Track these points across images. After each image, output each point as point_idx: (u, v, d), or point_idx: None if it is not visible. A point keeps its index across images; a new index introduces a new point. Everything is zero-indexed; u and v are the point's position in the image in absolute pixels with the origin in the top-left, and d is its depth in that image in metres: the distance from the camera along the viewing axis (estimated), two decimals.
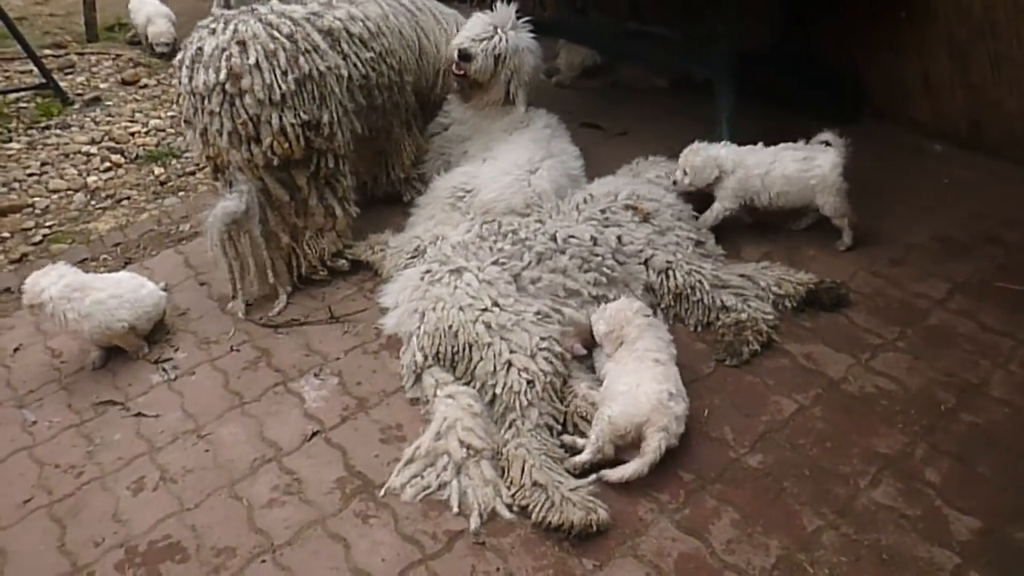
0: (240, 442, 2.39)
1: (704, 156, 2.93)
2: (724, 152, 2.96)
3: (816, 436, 2.27)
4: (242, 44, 2.65)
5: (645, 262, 2.67)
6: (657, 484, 2.15)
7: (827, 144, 2.95)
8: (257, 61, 2.63)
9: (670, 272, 2.65)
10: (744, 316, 2.57)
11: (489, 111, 3.26)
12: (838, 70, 3.72)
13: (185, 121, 2.85)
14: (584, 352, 2.49)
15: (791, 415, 2.34)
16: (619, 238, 2.68)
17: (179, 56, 2.80)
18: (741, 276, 2.72)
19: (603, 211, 2.77)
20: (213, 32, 2.72)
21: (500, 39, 3.08)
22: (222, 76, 2.63)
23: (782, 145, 3.00)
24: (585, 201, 2.83)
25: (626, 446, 2.17)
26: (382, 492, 2.19)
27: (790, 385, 2.44)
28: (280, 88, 2.65)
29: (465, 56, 3.07)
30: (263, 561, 2.05)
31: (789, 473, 2.17)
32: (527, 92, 3.21)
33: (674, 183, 2.98)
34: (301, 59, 2.70)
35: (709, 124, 3.29)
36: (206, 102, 2.69)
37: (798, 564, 1.95)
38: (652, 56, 3.79)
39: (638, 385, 2.19)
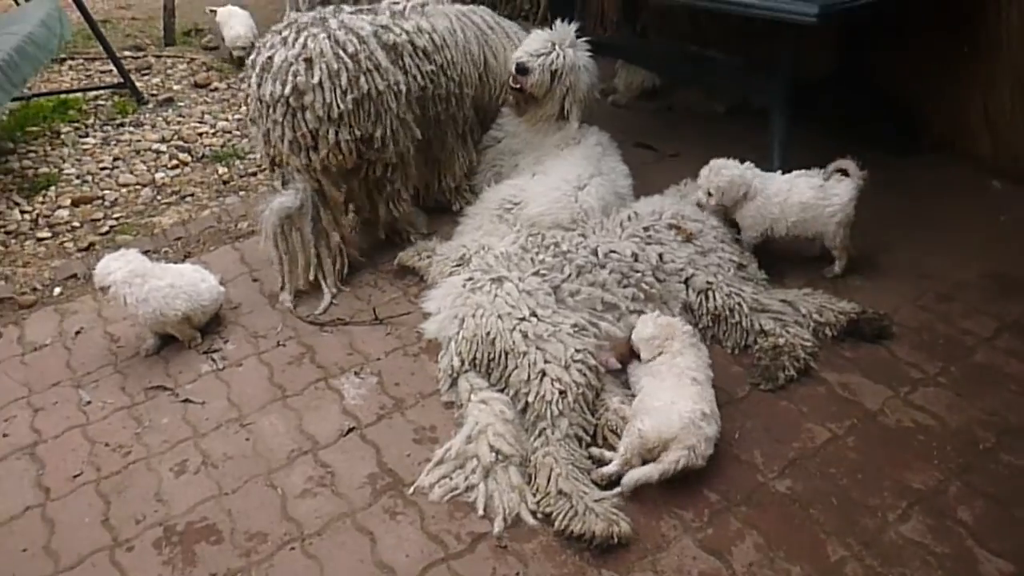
0: (279, 433, 2.48)
1: (730, 175, 2.90)
2: (749, 173, 2.94)
3: (848, 466, 2.25)
4: (309, 62, 2.78)
5: (685, 281, 2.69)
6: (682, 502, 2.16)
7: (844, 173, 2.92)
8: (320, 81, 2.77)
9: (710, 293, 2.66)
10: (782, 341, 2.56)
11: (542, 126, 3.32)
12: (897, 100, 3.68)
13: (251, 120, 3.04)
14: (618, 367, 2.51)
15: (823, 443, 2.32)
16: (660, 256, 2.70)
17: (251, 57, 2.95)
18: (782, 301, 2.71)
19: (646, 229, 2.79)
20: (284, 42, 2.85)
21: (558, 55, 3.14)
22: (287, 90, 2.78)
23: (795, 173, 2.99)
24: (629, 219, 2.86)
25: (652, 460, 2.18)
26: (411, 490, 2.24)
27: (824, 413, 2.42)
28: (339, 107, 2.80)
29: (522, 70, 3.14)
30: (292, 549, 2.12)
31: (817, 501, 2.15)
32: (581, 109, 3.25)
33: (699, 205, 2.97)
34: (362, 79, 2.82)
35: (763, 151, 3.28)
36: (271, 111, 2.85)
37: None
38: (709, 80, 3.81)
39: (673, 402, 2.21)
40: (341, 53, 2.80)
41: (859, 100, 3.69)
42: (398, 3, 3.20)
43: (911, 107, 3.71)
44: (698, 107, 4.26)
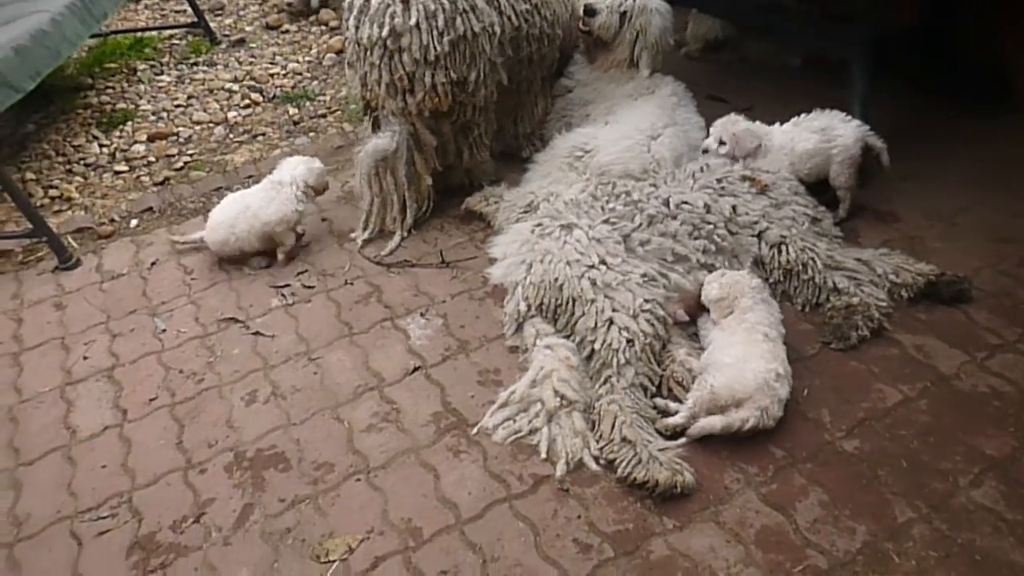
0: (346, 369, 2.52)
1: (746, 125, 2.91)
2: (763, 128, 2.95)
3: (918, 429, 2.20)
4: (406, 3, 2.75)
5: (759, 235, 2.63)
6: (747, 456, 2.15)
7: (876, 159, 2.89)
8: (417, 22, 2.74)
9: (783, 247, 2.60)
10: (856, 300, 2.50)
11: (613, 74, 3.26)
12: (985, 56, 3.51)
13: (348, 64, 3.04)
14: (686, 319, 2.48)
15: (894, 405, 2.27)
16: (734, 208, 2.64)
17: (348, 1, 2.93)
18: (857, 260, 2.64)
19: (719, 180, 2.73)
20: None
21: None
22: (384, 32, 2.76)
23: (792, 121, 2.97)
24: (701, 170, 2.80)
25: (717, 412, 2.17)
26: (475, 430, 2.27)
27: (896, 375, 2.36)
28: (435, 49, 2.77)
29: (590, 11, 3.09)
30: (358, 480, 2.17)
31: (885, 462, 2.12)
32: (652, 55, 3.18)
33: (704, 150, 2.94)
34: (458, 20, 2.78)
35: (840, 106, 3.17)
36: (368, 53, 2.83)
37: (884, 552, 1.91)
38: (785, 32, 3.66)
39: (746, 360, 2.18)
40: None
41: (943, 55, 3.53)
42: None
43: (999, 64, 3.53)
44: (772, 60, 4.13)
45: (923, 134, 3.45)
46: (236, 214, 2.91)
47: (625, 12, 3.10)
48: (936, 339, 2.48)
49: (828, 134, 2.89)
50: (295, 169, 3.02)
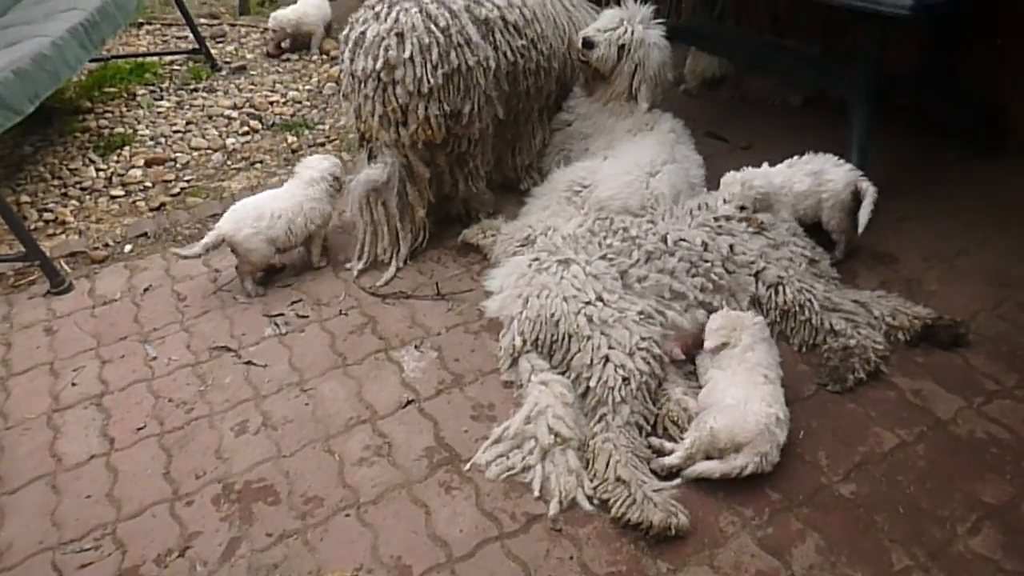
0: (339, 400, 2.49)
1: (761, 185, 2.84)
2: (769, 174, 2.91)
3: (916, 474, 2.18)
4: (400, 36, 2.77)
5: (756, 274, 2.62)
6: (743, 498, 2.12)
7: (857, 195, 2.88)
8: (411, 55, 2.76)
9: (780, 287, 2.59)
10: (853, 342, 2.49)
11: (613, 109, 3.26)
12: (985, 98, 3.54)
13: (343, 95, 3.05)
14: (683, 358, 2.47)
15: (891, 449, 2.25)
16: (731, 247, 2.64)
17: (344, 33, 2.96)
18: (854, 302, 2.63)
19: (717, 219, 2.74)
20: (376, 17, 2.84)
21: (625, 30, 3.09)
22: (378, 65, 2.78)
23: (787, 162, 2.97)
24: (699, 207, 2.81)
25: (717, 457, 2.14)
26: (468, 466, 2.24)
27: (893, 419, 2.34)
28: (429, 82, 2.78)
29: (588, 43, 3.10)
30: (347, 515, 2.13)
31: (883, 507, 2.09)
32: (651, 89, 3.19)
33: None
34: (452, 54, 2.80)
35: (839, 145, 3.19)
36: (362, 85, 2.86)
37: None
38: (786, 70, 3.70)
39: (747, 403, 2.16)
40: (433, 27, 2.79)
41: (944, 96, 3.56)
42: None
43: (999, 105, 3.56)
44: (772, 98, 4.16)
45: (923, 175, 3.47)
46: (267, 210, 2.91)
47: (623, 45, 3.11)
48: (934, 383, 2.46)
49: (820, 178, 2.89)
50: (321, 165, 3.06)
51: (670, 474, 2.16)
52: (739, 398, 2.17)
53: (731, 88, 4.22)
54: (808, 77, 3.58)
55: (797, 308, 2.58)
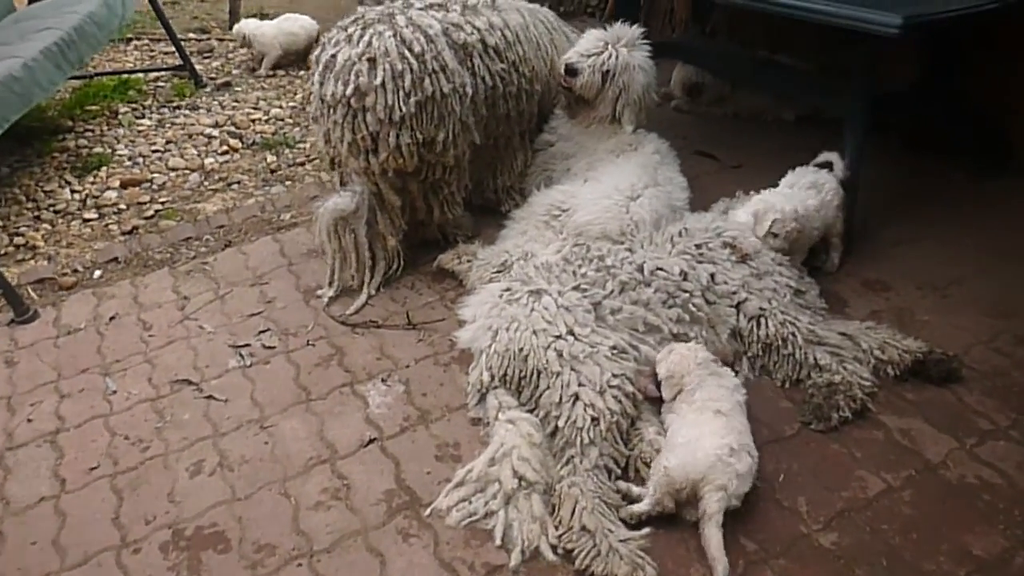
0: (300, 438, 2.39)
1: (795, 218, 2.70)
2: (793, 201, 2.77)
3: (901, 523, 2.05)
4: (372, 61, 2.67)
5: (737, 305, 2.51)
6: None
7: (828, 166, 2.90)
8: (383, 82, 2.66)
9: (762, 320, 2.48)
10: (838, 378, 2.36)
11: (595, 130, 3.16)
12: (984, 118, 3.41)
13: (313, 119, 2.95)
14: (657, 394, 2.34)
15: (876, 495, 2.12)
16: (712, 276, 2.53)
17: (316, 54, 2.87)
18: (841, 335, 2.51)
19: (698, 246, 2.62)
20: (349, 40, 2.74)
21: (610, 55, 2.99)
22: (349, 91, 2.68)
23: (785, 183, 2.90)
24: (680, 234, 2.69)
25: (683, 502, 2.03)
26: (428, 512, 2.13)
27: (880, 462, 2.22)
28: (401, 110, 2.68)
29: (571, 71, 3.00)
30: (299, 565, 2.02)
31: (864, 560, 1.96)
32: (636, 112, 3.08)
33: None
34: (427, 80, 2.70)
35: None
36: (332, 111, 2.76)
37: None
38: (779, 87, 3.59)
39: (698, 439, 2.05)
40: (407, 53, 2.68)
41: (944, 114, 3.43)
42: None
43: (999, 126, 3.43)
44: (765, 115, 4.04)
45: (918, 197, 3.34)
46: None
47: (608, 71, 3.00)
48: (923, 422, 2.33)
49: (820, 187, 2.84)
50: None
51: (640, 521, 2.05)
52: (690, 436, 2.07)
53: (723, 104, 4.10)
54: (799, 94, 3.47)
55: (780, 342, 2.46)
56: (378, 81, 2.62)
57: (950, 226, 3.16)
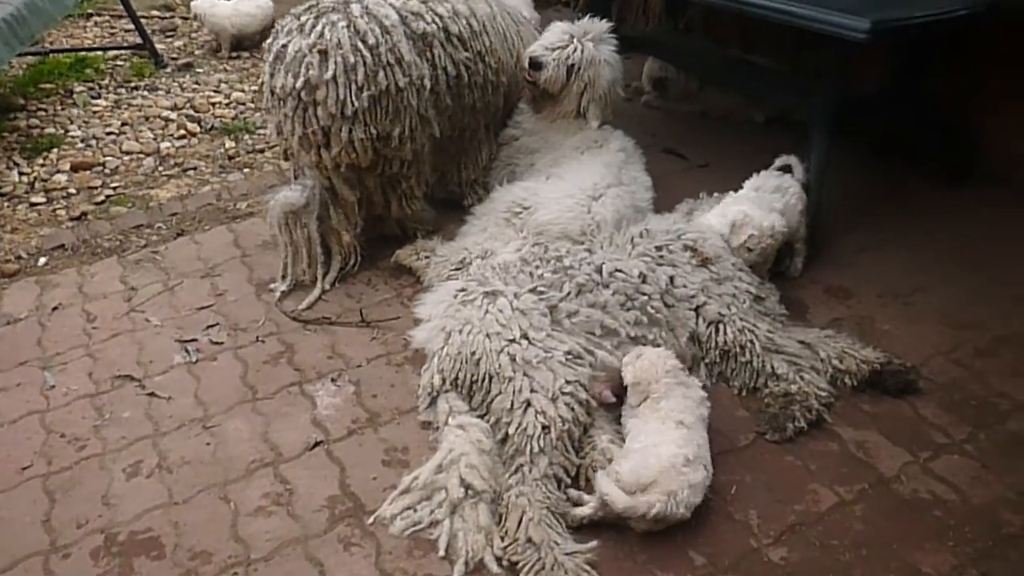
0: (243, 440, 2.32)
1: (773, 231, 2.67)
2: (764, 213, 2.71)
3: (852, 539, 2.02)
4: (324, 54, 2.58)
5: (696, 309, 2.47)
6: (664, 562, 1.96)
7: (788, 170, 2.91)
8: (335, 75, 2.57)
9: (721, 325, 2.43)
10: (794, 388, 2.33)
11: (561, 125, 3.10)
12: (954, 125, 3.39)
13: (264, 110, 2.85)
14: (613, 400, 2.29)
15: (828, 509, 2.09)
16: (671, 279, 2.48)
17: (267, 42, 2.77)
18: (800, 343, 2.48)
19: (659, 248, 2.57)
20: (301, 30, 2.65)
21: (575, 48, 2.93)
22: (299, 83, 2.59)
23: (749, 186, 2.86)
24: (641, 235, 2.63)
25: None
26: (371, 520, 2.07)
27: (834, 474, 2.19)
28: (353, 104, 2.60)
29: (536, 64, 2.93)
30: (235, 574, 1.95)
31: None
32: (601, 107, 3.03)
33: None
34: (380, 74, 2.62)
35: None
36: (282, 104, 2.67)
37: None
38: (747, 86, 3.54)
39: (655, 446, 2.02)
40: (360, 45, 2.59)
41: (913, 120, 3.40)
42: None
43: (968, 134, 3.41)
44: (735, 114, 3.99)
45: (885, 203, 3.32)
46: None
47: (573, 65, 2.94)
48: (879, 434, 2.30)
49: (784, 190, 2.82)
50: None
51: (583, 525, 2.01)
52: (646, 443, 2.04)
53: (692, 101, 4.05)
54: (767, 94, 3.43)
55: (738, 349, 2.42)
56: (329, 74, 2.54)
57: (916, 233, 3.13)
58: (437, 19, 2.75)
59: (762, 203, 2.75)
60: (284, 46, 2.60)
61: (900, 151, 3.49)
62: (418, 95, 2.70)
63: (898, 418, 2.36)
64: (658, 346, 2.36)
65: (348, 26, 2.58)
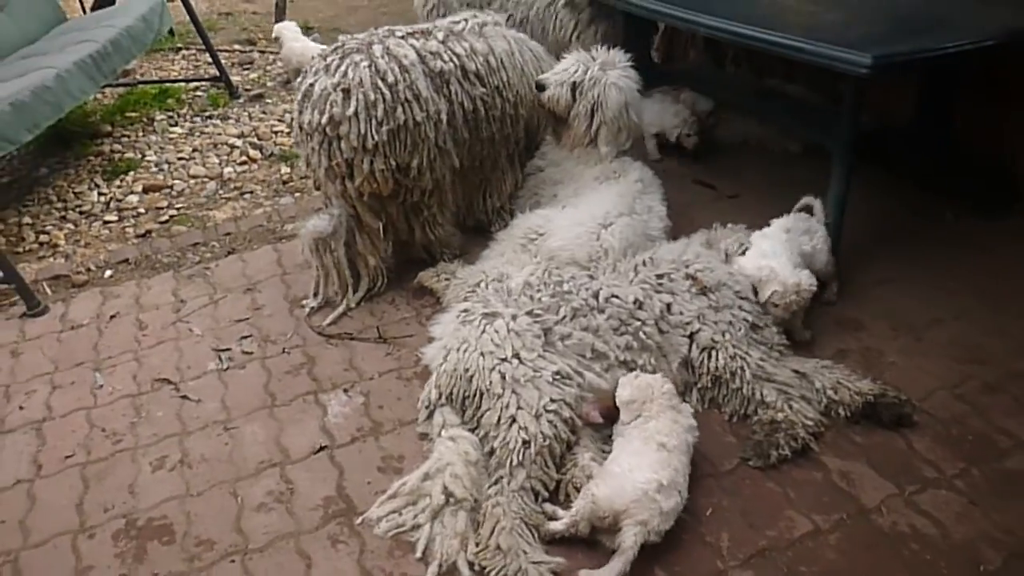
0: (257, 442, 2.52)
1: (803, 287, 2.65)
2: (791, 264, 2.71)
3: (822, 567, 2.04)
4: (346, 92, 2.80)
5: (690, 336, 2.53)
6: None
7: (809, 211, 2.93)
8: (356, 111, 2.78)
9: (713, 352, 2.49)
10: (781, 417, 2.36)
11: (582, 156, 3.21)
12: (988, 156, 3.33)
13: (295, 144, 3.11)
14: (600, 421, 2.38)
15: (801, 536, 2.12)
16: (668, 306, 2.55)
17: (298, 81, 3.01)
18: (795, 372, 2.50)
19: (659, 276, 2.64)
20: (327, 70, 2.88)
21: (577, 70, 3.07)
22: (324, 119, 2.82)
23: (782, 227, 2.86)
24: (644, 263, 2.72)
25: (603, 528, 2.07)
26: (360, 520, 2.22)
27: (813, 503, 2.21)
28: (373, 138, 2.80)
29: (540, 86, 3.12)
30: (232, 561, 2.14)
31: None
32: (612, 132, 3.13)
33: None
34: (399, 109, 2.81)
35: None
36: (309, 138, 2.90)
37: None
38: (772, 117, 3.58)
39: (631, 470, 2.09)
40: (379, 83, 2.80)
41: (942, 151, 3.36)
42: (458, 22, 3.18)
43: (1003, 163, 3.34)
44: (772, 144, 4.00)
45: (912, 236, 3.28)
46: None
47: (577, 84, 3.08)
48: (866, 466, 2.31)
49: (813, 234, 2.87)
50: None
51: (555, 540, 2.10)
52: (625, 466, 2.11)
53: (729, 132, 4.09)
54: (792, 126, 3.45)
55: (729, 375, 2.47)
56: (351, 111, 2.75)
57: (940, 267, 3.09)
58: (455, 58, 2.94)
59: (792, 247, 2.76)
60: (311, 85, 2.83)
61: (933, 183, 3.44)
62: (435, 128, 2.88)
63: (889, 450, 2.36)
64: (648, 371, 2.44)
65: (369, 65, 2.79)
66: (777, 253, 2.72)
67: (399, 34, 2.95)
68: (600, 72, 3.07)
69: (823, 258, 2.87)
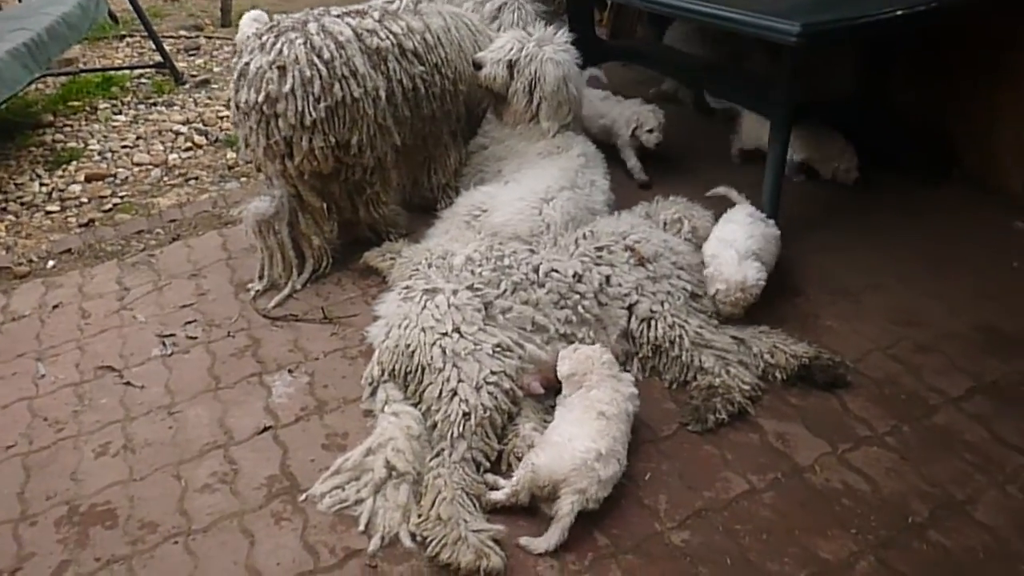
0: (201, 425, 2.51)
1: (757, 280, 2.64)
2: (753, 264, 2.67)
3: (756, 524, 2.09)
4: (282, 69, 2.78)
5: (629, 307, 2.57)
6: (569, 540, 2.05)
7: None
8: (292, 88, 2.77)
9: (652, 322, 2.53)
10: (718, 382, 2.41)
11: (524, 132, 3.24)
12: (927, 127, 3.40)
13: (232, 124, 3.06)
14: (541, 391, 2.42)
15: (736, 496, 2.17)
16: (607, 279, 2.59)
17: (234, 61, 2.99)
18: (733, 338, 2.55)
19: (599, 249, 2.67)
20: (262, 48, 2.86)
21: (513, 48, 3.08)
22: (261, 98, 2.80)
23: (747, 213, 2.87)
24: (584, 236, 2.75)
25: (543, 498, 2.10)
26: (303, 497, 2.23)
27: (749, 464, 2.26)
28: (311, 115, 2.79)
29: (476, 64, 3.14)
30: (175, 543, 2.14)
31: (710, 559, 2.01)
32: (552, 107, 3.16)
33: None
34: (336, 86, 2.80)
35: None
36: (246, 117, 2.88)
37: None
38: (717, 90, 3.62)
39: (571, 439, 2.12)
40: (315, 59, 2.79)
41: (883, 122, 3.42)
42: (393, 1, 3.17)
43: (941, 136, 3.41)
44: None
45: (854, 205, 3.35)
46: None
47: (513, 61, 3.10)
48: (801, 426, 2.37)
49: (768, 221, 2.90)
50: None
51: (496, 510, 2.13)
52: (565, 435, 2.14)
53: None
54: (735, 96, 3.48)
55: (668, 344, 2.51)
56: (287, 88, 2.73)
57: (883, 234, 3.16)
58: (391, 36, 2.93)
59: (755, 231, 2.75)
60: (247, 64, 2.81)
61: (875, 153, 3.51)
62: (374, 105, 2.87)
63: (824, 411, 2.42)
64: (587, 343, 2.47)
65: (305, 43, 2.77)
66: (736, 240, 2.69)
67: (334, 13, 2.94)
68: (536, 48, 3.09)
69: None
